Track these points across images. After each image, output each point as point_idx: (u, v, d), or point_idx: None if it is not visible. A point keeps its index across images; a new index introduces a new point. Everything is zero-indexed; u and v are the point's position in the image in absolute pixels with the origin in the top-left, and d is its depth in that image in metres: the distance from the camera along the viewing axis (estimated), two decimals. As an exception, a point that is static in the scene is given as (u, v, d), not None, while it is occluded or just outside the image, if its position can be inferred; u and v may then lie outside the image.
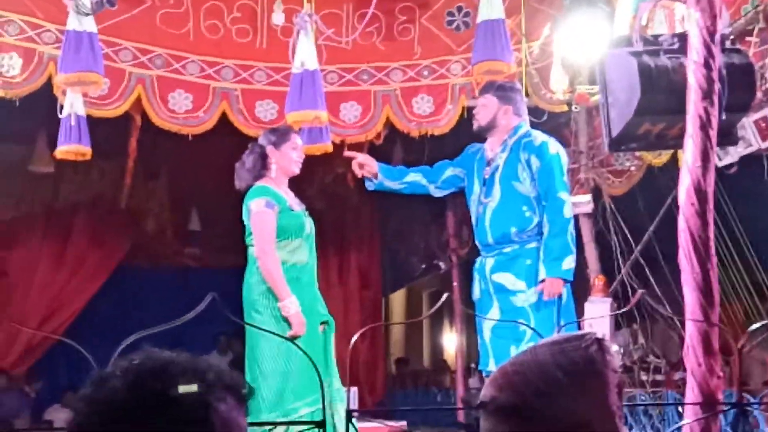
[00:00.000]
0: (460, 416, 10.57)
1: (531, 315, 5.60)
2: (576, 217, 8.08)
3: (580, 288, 7.56)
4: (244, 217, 5.44)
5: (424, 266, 12.64)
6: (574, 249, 5.62)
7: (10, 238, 11.40)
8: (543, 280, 5.57)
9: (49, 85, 7.24)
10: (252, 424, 4.62)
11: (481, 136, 6.08)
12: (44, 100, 7.35)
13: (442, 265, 11.83)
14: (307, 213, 5.62)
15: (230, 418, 1.44)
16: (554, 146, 5.80)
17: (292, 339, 4.92)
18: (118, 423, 1.40)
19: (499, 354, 5.62)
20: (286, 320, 5.21)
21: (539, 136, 5.85)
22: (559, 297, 5.63)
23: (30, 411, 11.62)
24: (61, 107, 7.02)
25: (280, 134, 5.61)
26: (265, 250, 5.28)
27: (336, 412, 5.15)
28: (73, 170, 10.44)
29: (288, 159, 5.51)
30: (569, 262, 5.58)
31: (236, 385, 1.48)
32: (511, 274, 5.73)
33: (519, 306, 5.66)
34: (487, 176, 5.90)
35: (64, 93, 7.00)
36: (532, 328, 4.95)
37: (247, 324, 5.13)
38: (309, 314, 5.32)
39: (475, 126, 6.01)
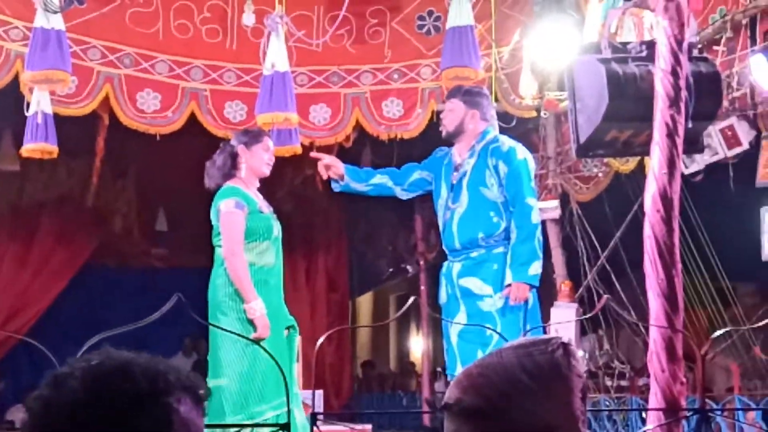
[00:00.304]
0: (426, 420, 10.57)
1: (497, 319, 5.60)
2: (543, 223, 8.08)
3: (546, 293, 7.59)
4: (213, 218, 5.41)
5: (391, 269, 12.65)
6: (540, 254, 5.64)
7: (-25, 236, 11.29)
8: (509, 285, 5.58)
9: (15, 82, 7.18)
10: (216, 426, 4.60)
11: (449, 141, 6.09)
12: (11, 98, 7.28)
13: (409, 268, 11.85)
14: (275, 216, 5.61)
15: (189, 419, 1.44)
16: (522, 152, 5.80)
17: (257, 341, 4.89)
18: (77, 425, 1.38)
19: (466, 358, 5.62)
20: (251, 323, 5.19)
21: (507, 142, 5.85)
22: (526, 302, 5.64)
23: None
24: (28, 105, 6.96)
25: (253, 135, 5.60)
26: (233, 251, 5.25)
27: (293, 418, 5.14)
28: (39, 169, 10.33)
29: (259, 160, 5.49)
30: (536, 268, 5.59)
31: (195, 386, 1.47)
32: (478, 279, 5.73)
33: (486, 310, 5.67)
34: (454, 182, 5.89)
35: (30, 91, 6.94)
36: (498, 333, 4.96)
37: (212, 325, 5.10)
38: (275, 317, 5.30)
39: (443, 132, 6.00)
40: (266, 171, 5.58)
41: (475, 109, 5.85)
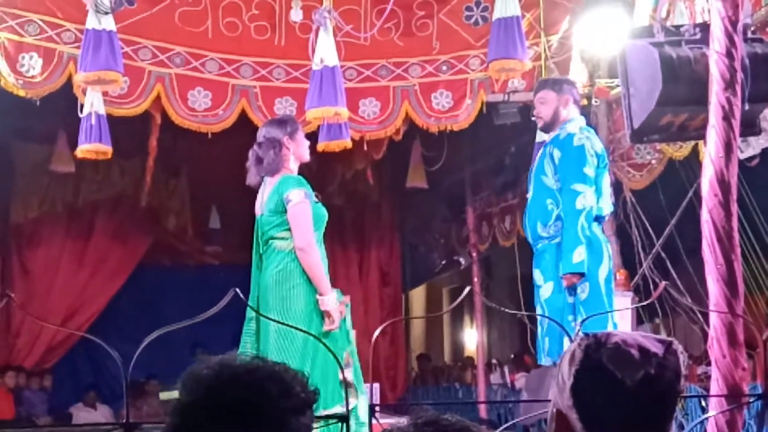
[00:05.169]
0: (483, 411, 10.55)
1: (545, 310, 5.62)
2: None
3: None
4: (272, 208, 5.20)
5: (444, 262, 12.63)
6: (583, 240, 5.53)
7: (33, 237, 11.48)
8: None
9: (69, 84, 7.27)
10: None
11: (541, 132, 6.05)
12: (64, 100, 7.38)
13: (462, 260, 11.82)
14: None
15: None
16: (580, 138, 5.67)
17: (316, 337, 4.86)
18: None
19: (541, 347, 5.72)
20: (321, 315, 5.10)
21: (569, 128, 5.74)
22: (575, 292, 5.60)
23: (48, 407, 11.68)
24: (82, 106, 7.05)
25: (293, 122, 5.50)
26: (309, 242, 5.08)
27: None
28: (93, 169, 10.50)
29: (303, 147, 5.41)
30: (579, 254, 5.50)
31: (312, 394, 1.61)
32: (538, 270, 5.76)
33: (542, 300, 5.69)
34: (531, 173, 5.92)
35: (84, 92, 7.03)
36: (550, 318, 4.95)
37: (278, 322, 4.95)
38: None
39: (540, 124, 5.91)
40: (308, 156, 5.52)
41: (567, 95, 5.79)
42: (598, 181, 5.66)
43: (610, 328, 5.31)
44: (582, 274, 5.53)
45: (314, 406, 1.60)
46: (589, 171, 5.57)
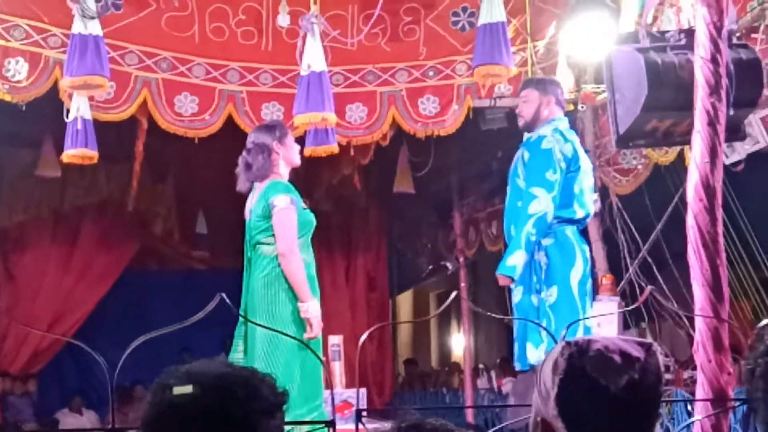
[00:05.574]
0: (470, 416, 10.56)
1: (516, 314, 5.67)
2: (583, 217, 8.07)
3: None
4: (259, 213, 5.22)
5: (431, 267, 12.64)
6: (523, 244, 5.52)
7: (18, 243, 11.45)
8: None
9: (55, 89, 7.25)
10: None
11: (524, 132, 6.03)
12: (51, 105, 7.37)
13: (449, 265, 11.83)
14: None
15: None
16: (549, 141, 5.66)
17: (307, 342, 4.86)
18: None
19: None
20: (302, 322, 5.09)
21: (542, 131, 5.75)
22: (539, 295, 5.60)
23: (33, 413, 11.65)
24: (68, 111, 7.04)
25: (281, 127, 5.50)
26: (291, 249, 5.10)
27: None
28: (80, 174, 10.47)
29: (293, 151, 5.41)
30: (514, 259, 5.50)
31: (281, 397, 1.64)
32: None
33: (514, 305, 5.75)
34: (509, 176, 5.93)
35: (70, 97, 7.01)
36: (535, 322, 4.98)
37: (263, 327, 4.95)
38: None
39: (521, 123, 5.90)
40: (299, 160, 5.52)
41: (550, 95, 5.79)
42: (570, 185, 5.64)
43: (581, 332, 5.33)
44: (513, 279, 5.54)
45: (285, 407, 1.63)
46: (552, 176, 5.54)
